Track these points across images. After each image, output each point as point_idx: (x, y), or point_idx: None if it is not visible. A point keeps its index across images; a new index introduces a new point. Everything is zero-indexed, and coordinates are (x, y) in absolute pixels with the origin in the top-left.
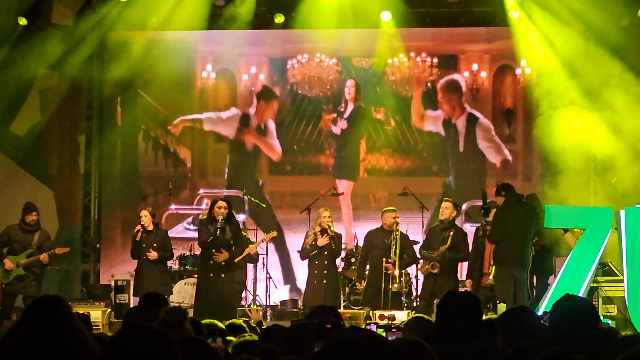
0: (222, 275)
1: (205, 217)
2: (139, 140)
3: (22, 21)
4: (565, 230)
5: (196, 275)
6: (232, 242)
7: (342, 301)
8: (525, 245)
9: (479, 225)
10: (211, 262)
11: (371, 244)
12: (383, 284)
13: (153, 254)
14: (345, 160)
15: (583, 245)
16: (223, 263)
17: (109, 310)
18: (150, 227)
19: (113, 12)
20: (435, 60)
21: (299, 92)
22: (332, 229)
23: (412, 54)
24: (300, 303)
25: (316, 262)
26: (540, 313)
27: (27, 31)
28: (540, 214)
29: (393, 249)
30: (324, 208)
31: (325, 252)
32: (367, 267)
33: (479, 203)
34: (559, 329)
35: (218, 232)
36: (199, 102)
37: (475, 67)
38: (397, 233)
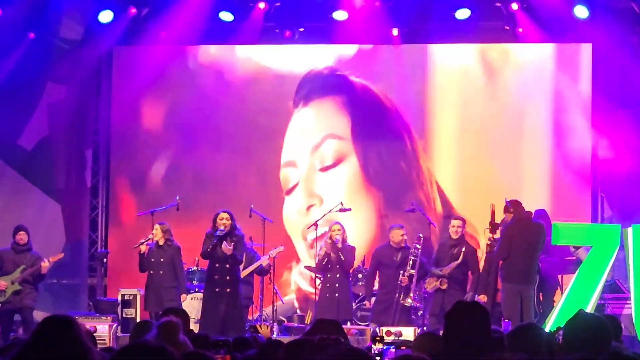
0: (228, 290)
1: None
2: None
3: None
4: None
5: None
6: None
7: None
8: (532, 262)
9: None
10: (216, 276)
11: (379, 262)
12: (396, 296)
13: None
14: None
15: (590, 263)
16: (228, 277)
17: (116, 324)
18: (161, 242)
19: (121, 26)
20: None
21: None
22: (339, 241)
23: None
24: (306, 318)
25: (328, 276)
26: (547, 329)
27: (35, 45)
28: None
29: (410, 263)
30: (335, 221)
31: (337, 266)
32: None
33: None
34: (573, 345)
35: (216, 241)
36: None
37: None
38: (418, 247)
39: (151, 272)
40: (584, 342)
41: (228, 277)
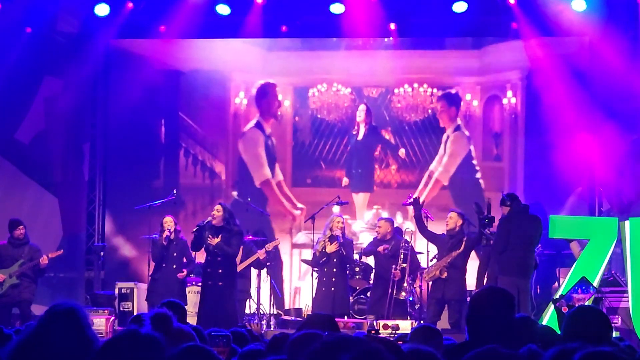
0: (220, 283)
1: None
2: (180, 156)
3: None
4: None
5: (200, 283)
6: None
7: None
8: (529, 256)
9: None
10: (209, 269)
11: (376, 253)
12: (390, 290)
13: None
14: (361, 175)
15: (587, 256)
16: (220, 271)
17: (113, 318)
18: (173, 235)
19: (118, 19)
20: (435, 90)
21: (319, 116)
22: (340, 236)
23: (415, 85)
24: (304, 311)
25: (325, 270)
26: (545, 322)
27: (32, 38)
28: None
29: (402, 257)
30: (336, 214)
31: (334, 259)
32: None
33: None
34: (572, 337)
35: (195, 233)
36: (232, 124)
37: (468, 97)
38: (408, 240)
39: (163, 264)
40: (583, 335)
41: (220, 271)
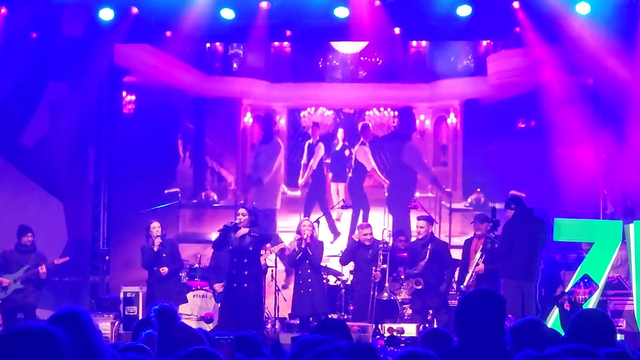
0: (246, 285)
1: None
2: (192, 164)
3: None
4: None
5: (207, 288)
6: (250, 248)
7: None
8: (534, 259)
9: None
10: (234, 271)
11: (355, 257)
12: (371, 292)
13: (164, 269)
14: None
15: (592, 259)
16: (246, 272)
17: (118, 322)
18: (161, 240)
19: (123, 23)
20: (397, 112)
21: (308, 133)
22: (307, 237)
23: (382, 109)
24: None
25: (299, 272)
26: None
27: (37, 43)
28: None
29: (381, 258)
30: (305, 218)
31: (307, 262)
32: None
33: None
34: (577, 340)
35: (221, 232)
36: (241, 138)
37: (422, 117)
38: (387, 242)
39: (155, 268)
40: (588, 337)
41: (246, 272)
